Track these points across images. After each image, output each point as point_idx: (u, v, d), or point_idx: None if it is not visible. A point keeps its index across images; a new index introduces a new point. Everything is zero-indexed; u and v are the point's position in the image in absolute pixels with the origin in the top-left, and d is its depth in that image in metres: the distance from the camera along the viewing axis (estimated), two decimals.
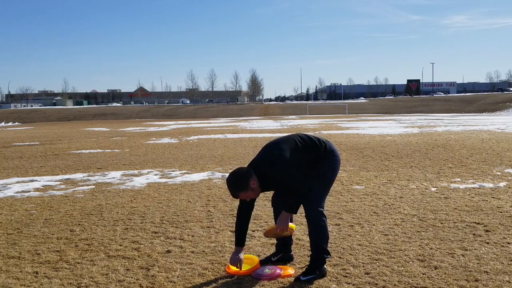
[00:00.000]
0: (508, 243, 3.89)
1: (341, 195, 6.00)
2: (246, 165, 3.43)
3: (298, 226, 4.49)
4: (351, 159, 9.73)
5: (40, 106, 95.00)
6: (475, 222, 4.56)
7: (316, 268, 3.26)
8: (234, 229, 4.51)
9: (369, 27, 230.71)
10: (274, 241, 3.86)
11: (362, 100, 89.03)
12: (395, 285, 3.09)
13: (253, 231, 4.42)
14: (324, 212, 3.33)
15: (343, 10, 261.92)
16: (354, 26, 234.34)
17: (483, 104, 61.77)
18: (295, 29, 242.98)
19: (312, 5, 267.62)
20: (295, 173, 3.18)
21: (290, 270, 3.38)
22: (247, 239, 4.17)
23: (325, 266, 3.32)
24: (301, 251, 3.84)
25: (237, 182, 3.17)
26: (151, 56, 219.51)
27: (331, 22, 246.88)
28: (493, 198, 5.67)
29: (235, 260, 3.35)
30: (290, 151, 3.23)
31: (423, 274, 3.26)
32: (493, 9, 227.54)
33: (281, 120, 38.16)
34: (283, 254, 3.63)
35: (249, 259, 3.52)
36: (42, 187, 7.24)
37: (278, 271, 3.32)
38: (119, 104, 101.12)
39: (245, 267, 3.40)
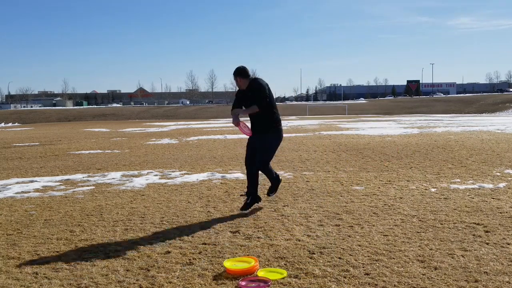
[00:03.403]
0: (508, 244, 3.89)
1: (341, 196, 6.00)
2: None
3: (298, 226, 4.51)
4: (351, 160, 9.73)
5: (40, 106, 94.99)
6: (475, 223, 4.56)
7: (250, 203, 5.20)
8: (234, 229, 4.52)
9: (370, 29, 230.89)
10: (275, 241, 3.85)
11: (362, 100, 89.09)
12: (395, 285, 3.09)
13: (253, 232, 4.42)
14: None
15: (343, 11, 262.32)
16: (354, 28, 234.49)
17: (482, 105, 61.81)
18: (295, 31, 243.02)
19: (312, 7, 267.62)
20: (265, 94, 5.05)
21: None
22: (246, 240, 4.18)
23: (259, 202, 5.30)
24: (301, 251, 3.84)
25: (244, 70, 5.14)
26: (151, 56, 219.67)
27: (331, 24, 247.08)
28: (493, 198, 5.67)
29: (234, 117, 5.26)
30: (268, 90, 5.17)
31: (423, 274, 3.26)
32: (497, 11, 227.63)
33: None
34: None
35: (247, 260, 3.52)
36: (42, 188, 7.24)
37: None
38: (119, 105, 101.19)
39: (243, 267, 3.40)
